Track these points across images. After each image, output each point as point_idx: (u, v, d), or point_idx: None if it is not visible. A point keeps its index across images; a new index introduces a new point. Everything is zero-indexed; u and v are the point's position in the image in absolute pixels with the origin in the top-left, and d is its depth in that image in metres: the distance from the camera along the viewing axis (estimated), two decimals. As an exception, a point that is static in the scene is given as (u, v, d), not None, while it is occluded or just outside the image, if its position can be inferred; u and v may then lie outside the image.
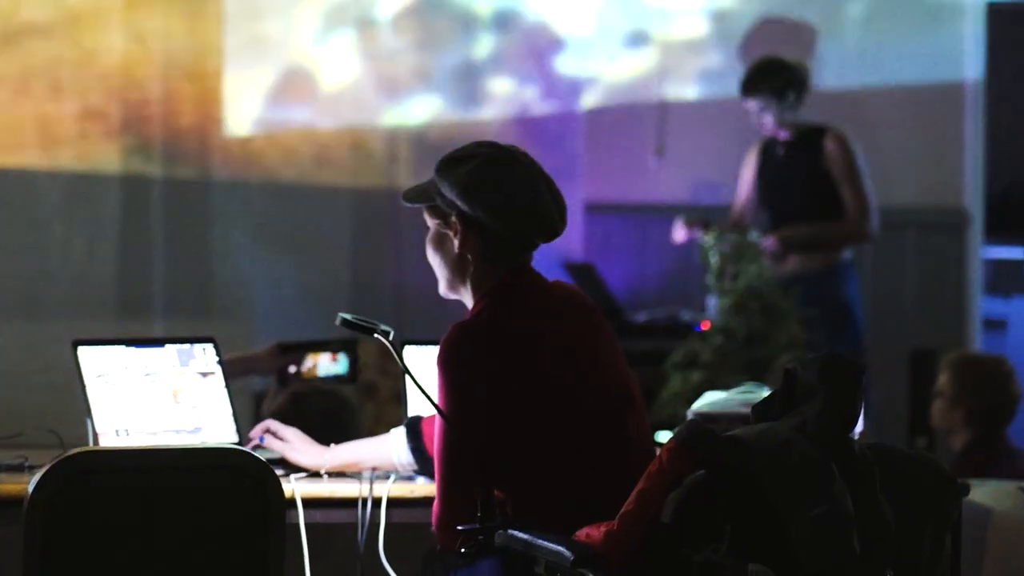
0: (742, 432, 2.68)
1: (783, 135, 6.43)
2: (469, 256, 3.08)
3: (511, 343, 3.03)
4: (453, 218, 3.08)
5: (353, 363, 4.24)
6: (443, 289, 3.16)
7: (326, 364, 4.24)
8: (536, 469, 3.02)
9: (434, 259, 3.14)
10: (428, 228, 3.15)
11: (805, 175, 6.39)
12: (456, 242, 3.08)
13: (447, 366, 3.00)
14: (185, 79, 6.58)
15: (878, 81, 7.16)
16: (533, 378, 3.03)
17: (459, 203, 3.04)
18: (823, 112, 6.58)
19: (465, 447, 2.97)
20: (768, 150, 6.52)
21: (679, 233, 6.52)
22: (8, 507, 3.03)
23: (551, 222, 3.08)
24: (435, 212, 3.12)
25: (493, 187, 3.03)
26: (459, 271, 3.11)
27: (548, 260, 6.69)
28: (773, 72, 6.37)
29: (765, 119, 6.40)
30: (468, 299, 3.12)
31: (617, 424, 3.08)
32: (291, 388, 4.29)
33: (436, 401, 3.01)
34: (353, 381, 4.30)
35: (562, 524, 2.88)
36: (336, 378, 4.27)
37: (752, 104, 6.41)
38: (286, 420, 3.62)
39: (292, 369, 4.24)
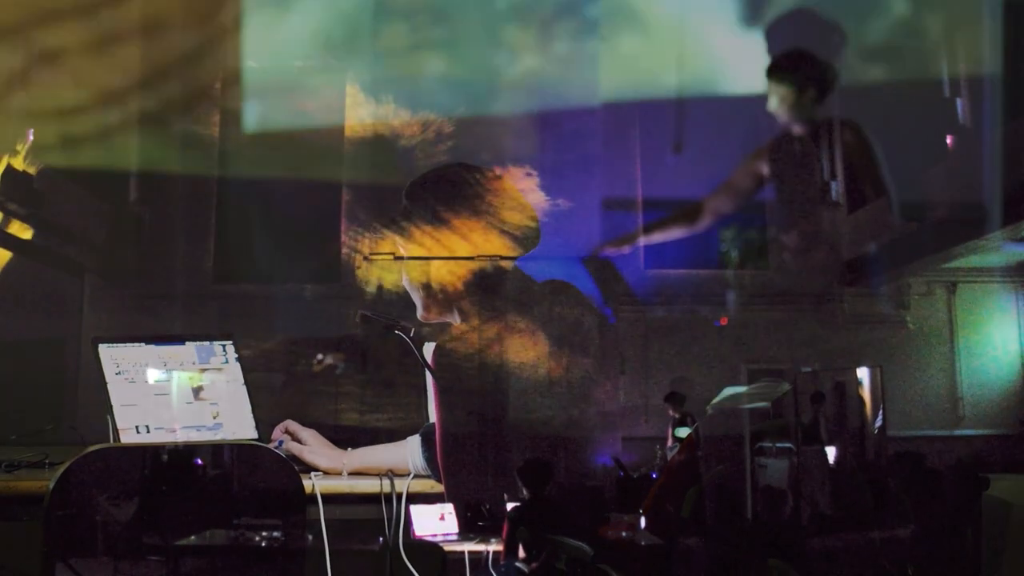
0: (762, 427, 2.68)
1: (797, 130, 6.39)
2: (448, 271, 3.11)
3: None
4: (429, 240, 3.10)
5: None
6: (422, 313, 3.18)
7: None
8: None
9: (412, 286, 3.17)
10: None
11: (826, 169, 6.35)
12: (435, 263, 3.11)
13: (441, 372, 3.02)
14: (206, 73, 6.59)
15: (897, 75, 7.14)
16: None
17: (435, 222, 3.07)
18: (840, 106, 6.55)
19: (464, 454, 2.99)
20: (782, 147, 6.47)
21: None
22: (30, 504, 3.04)
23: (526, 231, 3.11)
24: (410, 239, 3.15)
25: (466, 202, 3.06)
26: (441, 290, 3.13)
27: (567, 255, 6.71)
28: (799, 65, 6.32)
29: (780, 110, 6.37)
30: (455, 317, 3.14)
31: None
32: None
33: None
34: None
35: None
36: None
37: (771, 91, 6.37)
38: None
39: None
